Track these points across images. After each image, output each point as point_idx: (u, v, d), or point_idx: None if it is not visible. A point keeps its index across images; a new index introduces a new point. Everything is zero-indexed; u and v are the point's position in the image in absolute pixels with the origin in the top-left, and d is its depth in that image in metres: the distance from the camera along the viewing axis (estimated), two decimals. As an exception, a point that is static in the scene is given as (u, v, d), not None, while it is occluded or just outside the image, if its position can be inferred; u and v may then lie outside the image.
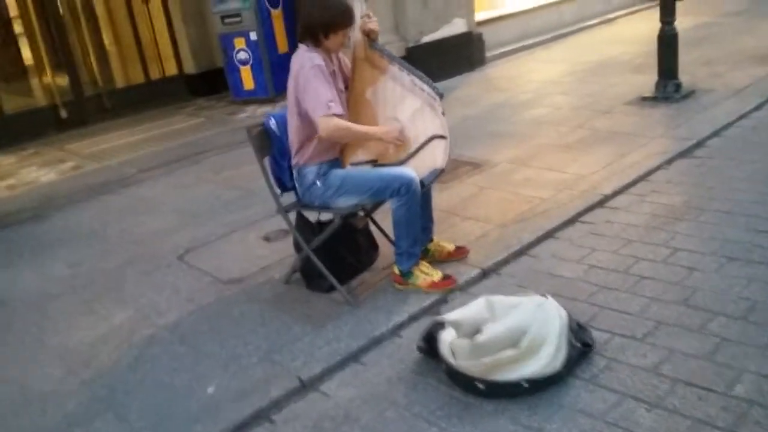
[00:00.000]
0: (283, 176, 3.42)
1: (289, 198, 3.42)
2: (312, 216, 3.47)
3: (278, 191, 3.39)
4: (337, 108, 3.02)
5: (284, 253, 3.87)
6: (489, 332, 2.54)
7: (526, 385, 2.44)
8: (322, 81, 3.00)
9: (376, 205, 3.46)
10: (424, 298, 3.21)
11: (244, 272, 3.75)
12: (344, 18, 3.08)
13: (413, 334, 2.99)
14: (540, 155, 4.83)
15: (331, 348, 2.92)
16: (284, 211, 3.38)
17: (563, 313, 2.64)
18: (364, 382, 2.72)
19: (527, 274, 3.36)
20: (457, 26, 7.62)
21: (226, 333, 3.15)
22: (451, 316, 2.71)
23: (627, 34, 8.84)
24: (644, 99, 5.69)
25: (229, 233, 4.33)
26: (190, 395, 2.72)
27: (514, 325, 2.57)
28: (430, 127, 3.23)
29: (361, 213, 3.53)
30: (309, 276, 3.47)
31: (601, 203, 3.98)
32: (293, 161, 3.26)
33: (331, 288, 3.38)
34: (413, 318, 3.12)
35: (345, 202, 3.20)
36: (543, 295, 2.73)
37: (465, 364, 2.52)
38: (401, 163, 3.25)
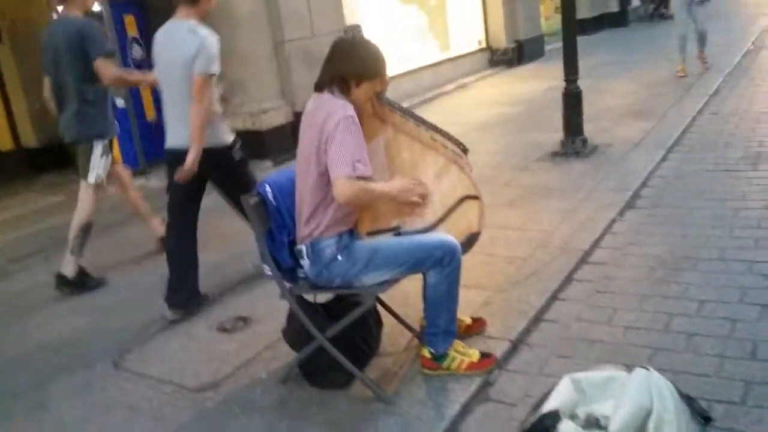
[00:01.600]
0: (280, 254, 2.81)
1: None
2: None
3: (276, 273, 2.78)
4: (365, 169, 2.53)
5: (255, 345, 3.26)
6: (619, 418, 2.18)
7: (670, 476, 2.10)
8: (354, 135, 2.52)
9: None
10: (465, 382, 2.76)
11: (216, 374, 3.04)
12: (381, 66, 2.67)
13: (477, 428, 2.55)
14: (488, 214, 4.62)
15: (394, 461, 2.37)
16: (292, 295, 2.78)
17: (670, 385, 2.36)
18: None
19: (561, 343, 3.06)
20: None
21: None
22: (553, 404, 2.31)
23: (489, 98, 9.19)
24: (554, 154, 5.80)
25: (170, 327, 3.55)
26: None
27: (636, 406, 2.23)
28: (458, 187, 2.86)
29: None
30: (315, 371, 2.87)
31: (584, 260, 3.84)
32: (303, 233, 2.70)
33: (347, 382, 2.83)
34: (467, 409, 2.66)
35: (375, 279, 2.68)
36: (643, 366, 2.43)
37: (601, 460, 2.12)
38: (430, 228, 2.82)
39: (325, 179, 2.59)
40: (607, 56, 11.02)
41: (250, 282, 3.95)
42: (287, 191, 2.83)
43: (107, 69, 4.12)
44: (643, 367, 2.42)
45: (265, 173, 6.39)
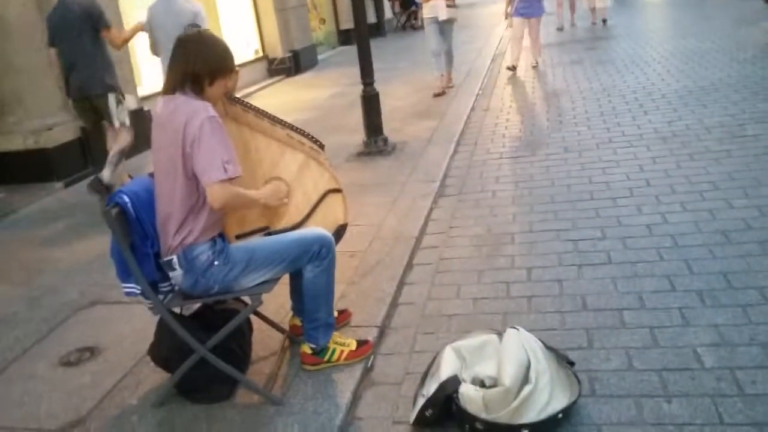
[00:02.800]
0: (145, 267, 2.64)
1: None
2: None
3: (146, 287, 2.60)
4: (235, 169, 2.49)
5: (113, 374, 3.02)
6: (508, 374, 2.42)
7: (561, 414, 2.40)
8: (219, 136, 2.45)
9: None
10: (348, 371, 2.85)
11: (78, 410, 2.77)
12: (231, 62, 2.62)
13: (372, 411, 2.65)
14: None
15: (304, 456, 2.37)
16: (166, 309, 2.62)
17: (537, 340, 2.67)
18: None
19: (422, 321, 3.27)
20: (129, 103, 6.90)
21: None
22: (447, 372, 2.50)
23: (277, 106, 9.22)
24: (360, 154, 6.08)
25: (3, 371, 3.12)
26: None
27: (516, 362, 2.49)
28: (320, 182, 2.93)
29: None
30: (195, 387, 2.74)
31: (417, 246, 4.12)
32: (172, 242, 2.56)
33: (231, 393, 2.75)
34: (357, 395, 2.74)
35: (255, 280, 2.63)
36: (513, 327, 2.71)
37: (503, 414, 2.34)
38: (299, 225, 2.86)
39: (194, 184, 2.50)
40: (377, 64, 11.64)
41: (81, 311, 3.60)
42: (145, 201, 2.66)
43: (117, 35, 5.42)
44: (513, 328, 2.71)
45: (55, 196, 5.82)
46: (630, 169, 5.01)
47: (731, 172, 4.66)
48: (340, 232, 2.92)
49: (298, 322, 3.08)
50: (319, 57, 12.53)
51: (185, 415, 2.66)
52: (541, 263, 3.70)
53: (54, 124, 6.02)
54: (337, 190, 2.95)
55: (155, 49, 5.71)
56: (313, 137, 2.97)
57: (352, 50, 13.79)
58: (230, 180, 2.45)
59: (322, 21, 14.14)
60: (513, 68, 9.61)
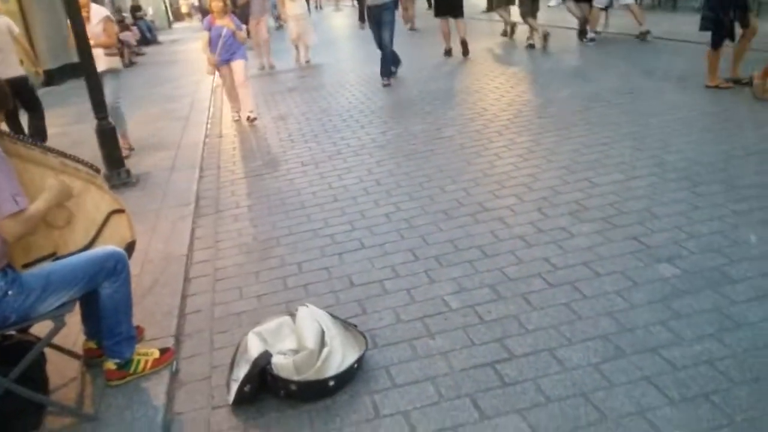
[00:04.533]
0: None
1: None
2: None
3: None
4: (25, 201, 2.54)
5: None
6: (308, 341, 2.84)
7: (356, 365, 2.88)
8: (5, 172, 2.50)
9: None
10: (155, 378, 3.01)
11: None
12: (6, 98, 2.66)
13: (189, 406, 2.88)
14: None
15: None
16: (-41, 348, 2.54)
17: (324, 312, 3.14)
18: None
19: (214, 323, 3.53)
20: None
21: None
22: (257, 347, 2.84)
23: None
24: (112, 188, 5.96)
25: None
26: None
27: (312, 331, 2.93)
28: (101, 204, 3.06)
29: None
30: (1, 424, 2.68)
31: (189, 261, 4.32)
32: (-42, 278, 2.51)
33: (39, 422, 2.76)
34: (170, 396, 2.94)
35: (53, 304, 2.68)
36: (303, 304, 3.14)
37: (311, 372, 2.75)
38: (87, 248, 2.95)
39: None
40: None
41: None
42: None
43: None
44: (303, 305, 3.15)
45: None
46: (361, 173, 5.77)
47: (439, 166, 5.67)
48: (129, 249, 3.07)
49: (93, 344, 3.14)
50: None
51: (-6, 454, 2.59)
52: (308, 257, 4.19)
53: None
54: (120, 210, 3.09)
55: None
56: (87, 162, 3.08)
57: (56, 90, 13.01)
58: (21, 212, 2.50)
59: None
60: (239, 118, 8.63)
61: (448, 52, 11.66)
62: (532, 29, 11.52)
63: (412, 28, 16.38)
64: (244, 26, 8.63)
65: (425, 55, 12.14)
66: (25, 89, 7.27)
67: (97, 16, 6.89)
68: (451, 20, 11.46)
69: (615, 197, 4.45)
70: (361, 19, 9.67)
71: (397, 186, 5.31)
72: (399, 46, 10.25)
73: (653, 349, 2.78)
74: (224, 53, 8.12)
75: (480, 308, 3.31)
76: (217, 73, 8.46)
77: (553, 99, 7.52)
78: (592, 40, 11.00)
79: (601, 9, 11.26)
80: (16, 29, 7.36)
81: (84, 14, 6.55)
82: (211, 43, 8.15)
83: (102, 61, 6.66)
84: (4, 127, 2.99)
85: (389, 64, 9.85)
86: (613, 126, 6.13)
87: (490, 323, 3.17)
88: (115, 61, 7.21)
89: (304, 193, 5.44)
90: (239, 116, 8.63)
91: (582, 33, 11.43)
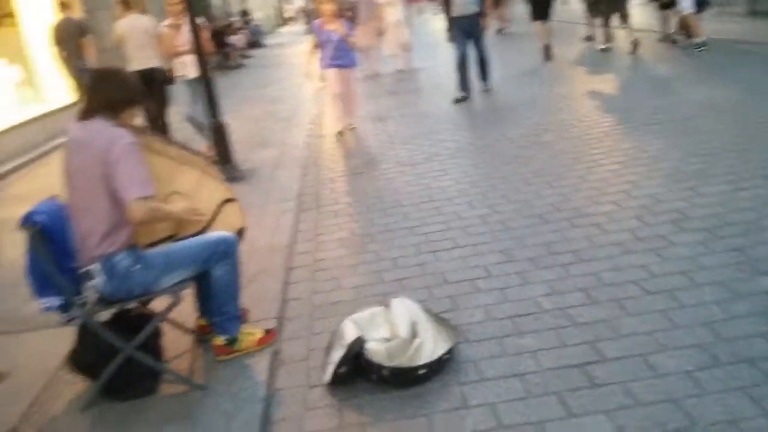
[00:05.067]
0: (65, 279, 2.84)
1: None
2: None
3: (72, 299, 2.81)
4: (152, 189, 2.82)
5: (27, 392, 3.14)
6: (402, 330, 2.97)
7: (447, 356, 2.98)
8: (138, 159, 2.78)
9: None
10: (259, 356, 3.23)
11: (6, 424, 2.88)
12: (141, 95, 2.95)
13: (289, 383, 3.07)
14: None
15: (240, 421, 2.74)
16: (90, 316, 2.84)
17: (417, 304, 3.26)
18: (308, 430, 2.72)
19: (313, 310, 3.72)
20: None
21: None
22: (352, 333, 3.00)
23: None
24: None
25: None
26: None
27: (405, 321, 3.06)
28: (216, 193, 3.32)
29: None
30: (119, 386, 2.97)
31: (292, 252, 4.56)
32: (93, 253, 2.80)
33: (154, 387, 3.02)
34: (272, 374, 3.14)
35: (172, 281, 2.95)
36: (397, 297, 3.28)
37: (403, 360, 2.87)
38: (201, 232, 3.21)
39: (116, 201, 2.76)
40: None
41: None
42: (57, 220, 2.86)
43: None
44: (397, 297, 3.28)
45: None
46: (458, 175, 5.86)
47: (537, 170, 5.67)
48: (239, 235, 3.31)
49: (204, 322, 3.39)
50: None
51: (117, 412, 2.88)
52: (403, 253, 4.32)
53: None
54: (232, 199, 3.34)
55: None
56: (204, 154, 3.35)
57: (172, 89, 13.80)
58: (148, 198, 2.77)
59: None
60: (343, 132, 8.17)
61: (546, 52, 11.84)
62: (608, 35, 11.79)
63: (500, 30, 16.46)
64: (354, 31, 8.20)
65: (523, 60, 12.06)
66: (155, 80, 7.58)
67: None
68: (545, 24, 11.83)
69: (720, 208, 4.31)
70: (450, 30, 9.38)
71: (493, 189, 5.36)
72: (495, 50, 10.23)
73: (750, 360, 2.72)
74: (333, 58, 7.76)
75: (572, 311, 3.33)
76: (319, 78, 8.20)
77: (658, 106, 7.31)
78: (699, 46, 10.52)
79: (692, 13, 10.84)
80: (161, 28, 7.43)
81: (177, 21, 6.87)
82: (320, 48, 7.86)
83: (193, 68, 6.75)
84: (138, 120, 3.29)
85: (486, 71, 9.51)
86: (720, 135, 5.92)
87: (582, 326, 3.18)
88: None
89: (401, 193, 5.59)
90: (343, 129, 8.18)
91: (668, 38, 11.58)
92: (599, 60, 11.21)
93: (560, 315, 3.31)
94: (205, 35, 6.94)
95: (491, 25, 10.85)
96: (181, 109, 7.75)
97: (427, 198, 5.36)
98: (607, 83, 9.03)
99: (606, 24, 11.80)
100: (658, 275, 3.54)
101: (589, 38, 13.09)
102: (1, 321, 3.87)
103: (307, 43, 8.67)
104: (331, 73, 7.86)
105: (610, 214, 4.50)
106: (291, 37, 23.65)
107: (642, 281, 3.51)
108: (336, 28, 7.66)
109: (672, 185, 4.84)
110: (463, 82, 9.27)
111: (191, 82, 7.22)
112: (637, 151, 5.77)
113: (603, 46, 11.65)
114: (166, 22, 7.20)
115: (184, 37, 6.78)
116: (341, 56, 7.77)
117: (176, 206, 3.04)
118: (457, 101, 9.15)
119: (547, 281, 3.68)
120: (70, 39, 9.19)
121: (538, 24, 11.90)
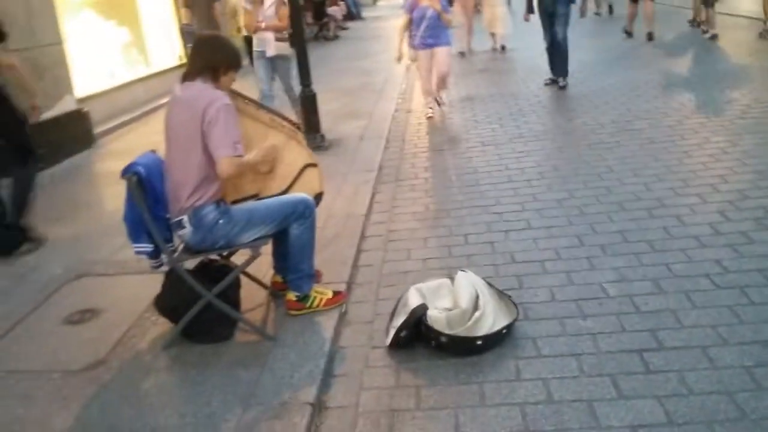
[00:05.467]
0: (157, 227, 3.10)
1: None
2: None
3: (163, 245, 3.07)
4: (241, 148, 3.02)
5: (119, 327, 3.45)
6: (464, 301, 3.08)
7: (504, 330, 3.07)
8: (233, 120, 2.98)
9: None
10: (327, 315, 3.40)
11: (96, 355, 3.18)
12: (240, 59, 3.16)
13: (352, 342, 3.24)
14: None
15: (304, 372, 2.92)
16: (177, 263, 3.11)
17: (481, 279, 3.35)
18: (366, 387, 2.88)
19: (381, 277, 3.88)
20: (68, 103, 7.16)
21: (164, 408, 2.75)
22: (416, 300, 3.13)
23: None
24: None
25: (12, 330, 3.46)
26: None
27: (467, 294, 3.16)
28: (299, 158, 3.49)
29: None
30: (200, 330, 3.22)
31: (367, 221, 4.73)
32: (183, 205, 3.04)
33: (231, 333, 3.26)
34: (337, 331, 3.31)
35: (253, 236, 3.16)
36: (462, 269, 3.38)
37: (460, 330, 2.98)
38: (283, 193, 3.41)
39: (208, 157, 2.99)
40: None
41: (70, 283, 3.98)
42: (155, 172, 3.13)
43: None
44: (462, 271, 3.38)
45: (5, 190, 6.00)
46: (539, 158, 5.84)
47: (622, 158, 5.57)
48: (317, 198, 3.49)
49: (279, 279, 3.61)
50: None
51: (194, 353, 3.14)
52: (475, 231, 4.40)
53: None
54: (314, 165, 3.52)
55: None
56: (291, 120, 3.54)
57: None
58: (237, 157, 2.98)
59: (239, 30, 14.51)
60: (432, 115, 7.84)
61: (628, 34, 12.08)
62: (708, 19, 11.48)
63: (597, 13, 16.07)
64: (451, 8, 7.82)
65: (623, 43, 11.66)
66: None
67: None
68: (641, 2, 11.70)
69: (811, 208, 4.14)
70: (530, 10, 9.10)
71: (574, 174, 5.32)
72: (593, 32, 9.95)
73: (817, 362, 2.66)
74: (427, 37, 7.29)
75: (638, 299, 3.33)
76: (409, 57, 7.75)
77: (761, 100, 6.96)
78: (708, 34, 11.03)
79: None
80: (248, 5, 7.03)
81: None
82: (413, 26, 7.41)
83: (273, 46, 6.63)
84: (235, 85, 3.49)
85: (565, 62, 8.60)
86: (826, 134, 5.61)
87: (646, 314, 3.18)
88: (285, 47, 6.84)
89: (480, 172, 5.64)
90: (433, 112, 7.84)
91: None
92: (703, 47, 10.70)
93: (625, 301, 3.31)
94: (284, 12, 6.64)
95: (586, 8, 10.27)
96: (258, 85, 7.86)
97: (506, 179, 5.39)
98: (707, 72, 8.64)
99: (710, 6, 11.36)
100: (732, 271, 3.47)
101: (695, 23, 12.55)
102: (100, 264, 4.24)
103: (400, 19, 8.07)
104: (424, 53, 7.44)
105: (693, 206, 4.40)
106: (389, 10, 23.73)
107: (714, 275, 3.45)
108: (431, 4, 7.18)
109: (760, 182, 4.66)
110: (553, 68, 8.88)
111: (271, 60, 6.82)
112: (729, 145, 5.56)
113: (710, 34, 11.10)
114: None
115: (264, 14, 6.63)
116: (436, 35, 7.31)
117: (253, 155, 3.20)
118: (548, 84, 8.93)
119: (617, 268, 3.67)
120: (204, 3, 10.12)
121: (630, 4, 11.96)
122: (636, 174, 5.14)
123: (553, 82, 8.85)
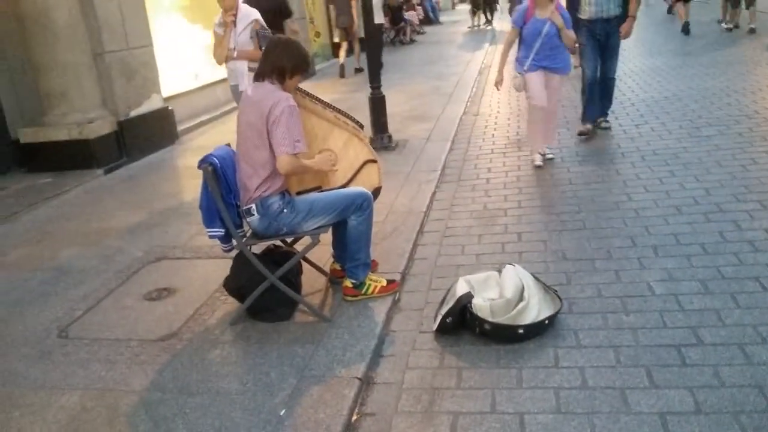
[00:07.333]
0: (229, 214, 3.41)
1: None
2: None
3: (234, 229, 3.38)
4: (302, 146, 3.29)
5: (192, 304, 3.78)
6: (509, 291, 3.24)
7: (546, 321, 3.21)
8: (295, 120, 3.26)
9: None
10: (381, 302, 3.63)
11: (171, 328, 3.52)
12: (307, 63, 3.44)
13: (402, 326, 3.45)
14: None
15: (355, 351, 3.15)
16: (245, 246, 3.41)
17: (528, 272, 3.50)
18: (411, 366, 3.09)
19: (435, 270, 4.08)
20: (155, 101, 7.70)
21: (228, 376, 3.05)
22: (463, 289, 3.32)
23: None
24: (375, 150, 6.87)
25: (96, 305, 3.86)
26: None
27: (513, 285, 3.32)
28: (360, 154, 3.74)
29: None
30: (263, 309, 3.51)
31: (426, 217, 4.94)
32: (252, 195, 3.34)
33: (291, 314, 3.53)
34: (389, 317, 3.54)
35: (314, 225, 3.43)
36: (510, 263, 3.55)
37: (503, 318, 3.15)
38: (344, 186, 3.66)
39: (274, 153, 3.28)
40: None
41: (150, 265, 4.37)
42: (228, 163, 3.44)
43: None
44: (510, 264, 3.54)
45: (97, 180, 6.56)
46: (602, 161, 5.89)
47: (686, 163, 5.56)
48: (376, 192, 3.73)
49: (338, 266, 3.87)
50: (317, 67, 13.38)
51: (257, 329, 3.43)
52: (529, 229, 4.54)
53: (94, 118, 6.76)
54: (374, 161, 3.76)
55: None
56: (354, 119, 3.78)
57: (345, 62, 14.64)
58: (297, 155, 3.25)
59: (318, 34, 15.01)
60: (542, 164, 5.93)
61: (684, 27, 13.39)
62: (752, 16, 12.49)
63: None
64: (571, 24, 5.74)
65: (698, 49, 11.40)
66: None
67: (244, 21, 5.46)
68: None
69: None
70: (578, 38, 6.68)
71: (635, 177, 5.36)
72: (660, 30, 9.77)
73: None
74: (541, 57, 5.64)
75: (683, 298, 3.40)
76: (514, 85, 5.86)
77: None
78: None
79: None
80: (218, 29, 5.75)
81: (230, 18, 5.43)
82: (523, 44, 5.75)
83: (247, 79, 5.35)
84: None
85: (609, 100, 6.98)
86: None
87: (689, 312, 3.25)
88: None
89: (540, 175, 5.74)
90: (542, 160, 5.96)
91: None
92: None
93: (670, 299, 3.39)
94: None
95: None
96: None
97: (566, 182, 5.48)
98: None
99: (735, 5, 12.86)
100: (783, 275, 3.49)
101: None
102: (177, 249, 4.62)
103: (508, 33, 6.11)
104: (535, 77, 5.70)
105: (752, 212, 4.39)
106: (466, 15, 23.81)
107: (763, 278, 3.48)
108: (551, 16, 5.54)
109: (827, 190, 4.59)
110: (591, 111, 6.89)
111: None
112: (800, 152, 5.46)
113: (727, 26, 11.73)
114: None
115: (238, 39, 5.55)
116: (552, 56, 5.66)
117: (314, 160, 3.49)
118: (583, 135, 6.79)
119: (666, 269, 3.74)
120: None
121: (679, 5, 13.27)
122: (698, 179, 5.14)
123: (586, 133, 6.80)
